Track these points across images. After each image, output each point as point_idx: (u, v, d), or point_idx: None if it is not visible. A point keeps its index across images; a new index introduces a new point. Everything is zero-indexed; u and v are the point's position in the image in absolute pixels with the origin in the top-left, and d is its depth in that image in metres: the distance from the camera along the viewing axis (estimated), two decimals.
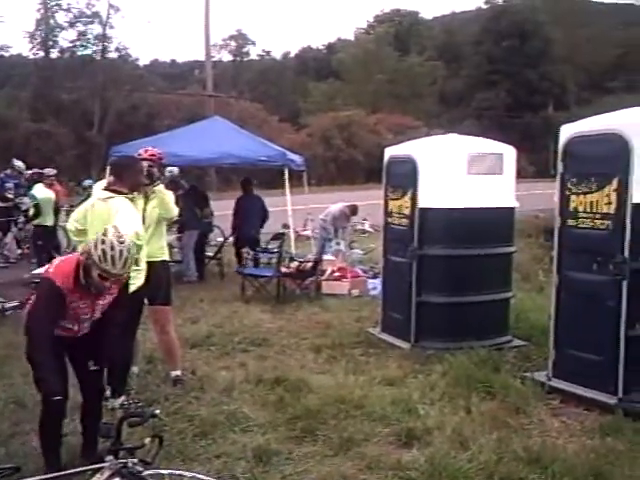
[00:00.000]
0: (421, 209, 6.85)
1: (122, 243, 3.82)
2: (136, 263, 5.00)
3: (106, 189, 5.21)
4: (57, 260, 4.29)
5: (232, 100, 44.49)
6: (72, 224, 5.53)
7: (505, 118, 48.08)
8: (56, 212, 11.36)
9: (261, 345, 7.17)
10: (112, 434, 3.14)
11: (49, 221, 11.19)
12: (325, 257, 10.85)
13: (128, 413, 3.28)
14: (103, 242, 3.78)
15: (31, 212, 11.13)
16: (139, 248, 4.94)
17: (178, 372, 5.92)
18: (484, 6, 59.90)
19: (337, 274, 10.30)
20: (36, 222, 11.10)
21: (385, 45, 55.71)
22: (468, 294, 6.85)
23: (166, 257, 5.92)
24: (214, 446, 4.62)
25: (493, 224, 6.88)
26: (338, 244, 11.70)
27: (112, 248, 3.76)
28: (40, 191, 11.18)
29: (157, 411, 3.37)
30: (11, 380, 5.90)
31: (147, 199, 5.72)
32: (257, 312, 8.71)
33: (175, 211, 5.98)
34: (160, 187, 5.82)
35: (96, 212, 5.10)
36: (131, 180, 5.23)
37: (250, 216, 11.30)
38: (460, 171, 6.75)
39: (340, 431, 4.84)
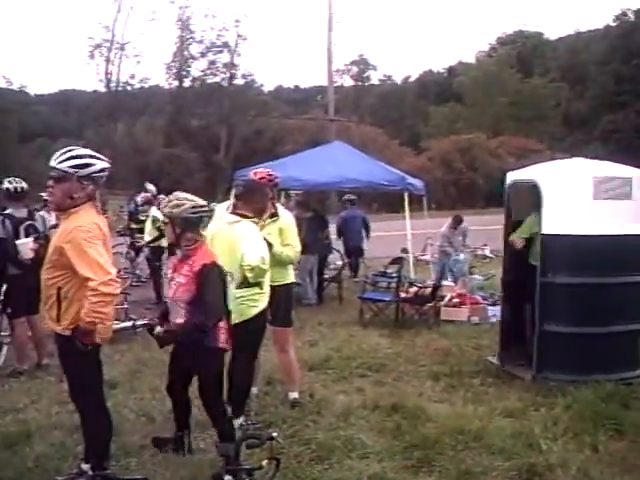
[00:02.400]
0: (545, 235, 6.64)
1: None
2: (260, 286, 5.16)
3: (232, 213, 5.35)
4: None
5: (353, 124, 45.05)
6: None
7: (635, 140, 45.55)
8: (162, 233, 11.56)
9: (379, 370, 7.14)
10: (231, 454, 3.22)
11: (164, 242, 11.57)
12: (444, 283, 10.70)
13: (247, 435, 3.36)
14: None
15: (155, 234, 11.33)
16: (264, 272, 5.09)
17: (296, 394, 5.98)
18: (612, 23, 57.39)
19: (456, 300, 10.13)
20: (155, 244, 11.20)
21: (507, 67, 54.61)
22: (595, 325, 6.52)
23: (289, 280, 5.94)
24: (330, 471, 4.62)
25: (622, 252, 6.53)
26: (457, 255, 11.62)
27: None
28: (159, 213, 11.51)
29: (275, 434, 3.38)
30: (141, 395, 6.18)
31: (264, 224, 5.74)
32: (375, 336, 8.70)
33: (297, 248, 5.94)
34: (285, 219, 5.89)
35: (222, 235, 5.20)
36: (257, 205, 5.38)
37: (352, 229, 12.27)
38: (586, 196, 6.49)
39: (458, 463, 4.73)
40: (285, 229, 5.85)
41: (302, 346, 8.11)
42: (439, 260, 12.13)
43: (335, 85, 39.50)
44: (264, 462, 3.21)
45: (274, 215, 5.84)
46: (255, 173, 6.12)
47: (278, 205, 6.07)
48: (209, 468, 4.41)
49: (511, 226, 7.29)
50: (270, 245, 5.51)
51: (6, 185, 6.99)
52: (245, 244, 4.99)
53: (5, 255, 6.70)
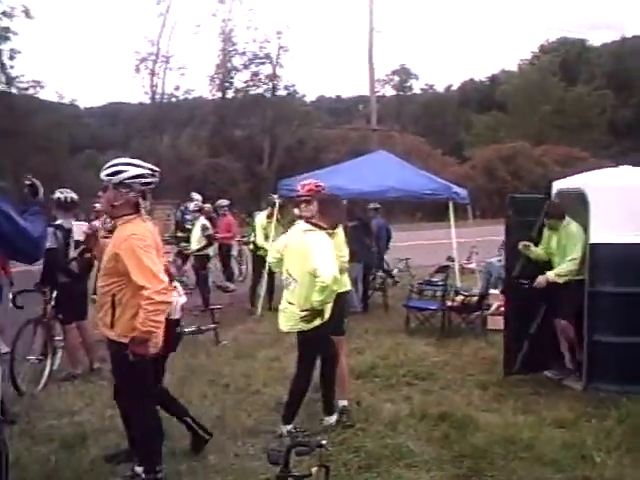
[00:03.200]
0: (592, 244, 6.54)
1: None
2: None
3: (307, 222, 5.49)
4: None
5: (395, 134, 44.99)
6: (274, 255, 5.88)
7: None
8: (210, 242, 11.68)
9: (425, 379, 7.10)
10: (281, 461, 3.24)
11: (211, 250, 11.78)
12: (491, 291, 10.59)
13: (296, 442, 3.37)
14: None
15: (203, 243, 11.43)
16: (334, 292, 5.14)
17: (345, 402, 5.97)
18: None
19: (503, 309, 9.99)
20: (202, 252, 11.39)
21: (550, 75, 54.01)
22: None
23: (342, 289, 5.86)
24: None
25: None
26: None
27: None
28: (205, 221, 11.66)
29: (324, 441, 3.40)
30: (189, 400, 6.25)
31: None
32: (421, 345, 8.66)
33: (345, 258, 5.97)
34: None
35: (294, 242, 5.44)
36: (334, 217, 5.53)
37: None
38: (634, 204, 6.38)
39: (509, 473, 4.68)
40: (334, 239, 5.87)
41: (349, 354, 8.08)
42: (485, 269, 12.00)
43: (377, 94, 39.52)
44: (313, 469, 3.22)
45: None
46: (302, 185, 6.19)
47: None
48: (258, 474, 4.47)
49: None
50: None
51: (57, 195, 7.17)
52: (318, 257, 5.09)
53: (56, 264, 6.89)
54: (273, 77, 44.42)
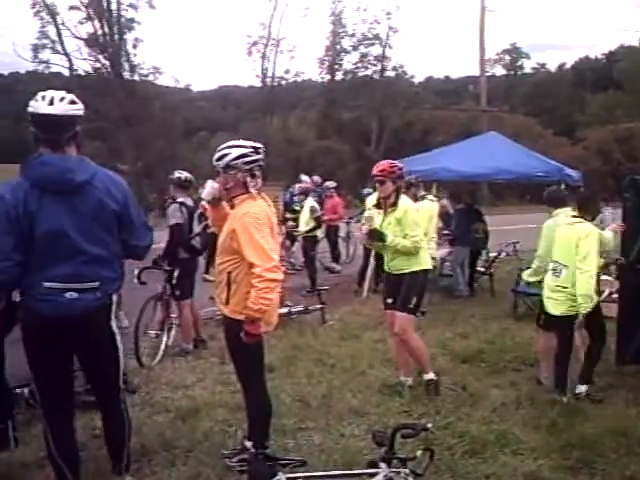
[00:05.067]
0: None
1: None
2: None
3: (573, 216, 6.04)
4: None
5: (505, 115, 43.68)
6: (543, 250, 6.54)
7: None
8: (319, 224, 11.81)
9: (533, 365, 6.90)
10: (386, 443, 3.28)
11: (319, 232, 11.91)
12: (603, 277, 10.16)
13: (402, 424, 3.41)
14: None
15: (311, 224, 11.58)
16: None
17: (431, 375, 6.02)
18: None
19: (615, 295, 9.57)
20: (311, 233, 11.55)
21: None
22: None
23: (416, 267, 5.95)
24: (484, 466, 4.58)
25: None
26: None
27: None
28: (314, 203, 11.83)
29: (429, 425, 3.42)
30: (296, 379, 6.42)
31: (385, 214, 6.00)
32: (529, 331, 8.37)
33: (415, 238, 5.89)
34: (401, 210, 5.92)
35: (562, 234, 5.99)
36: (593, 210, 6.25)
37: None
38: None
39: (621, 468, 4.53)
40: (402, 219, 5.88)
41: (454, 338, 8.07)
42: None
43: (487, 75, 38.47)
44: (418, 452, 3.26)
45: (393, 205, 5.93)
46: (377, 166, 6.10)
47: (404, 196, 6.06)
48: (363, 455, 4.53)
49: None
50: (385, 235, 5.82)
51: (177, 175, 7.59)
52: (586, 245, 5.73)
53: (180, 239, 7.25)
54: (382, 58, 44.05)
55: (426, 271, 6.11)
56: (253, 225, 4.06)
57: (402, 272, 5.98)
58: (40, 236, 3.45)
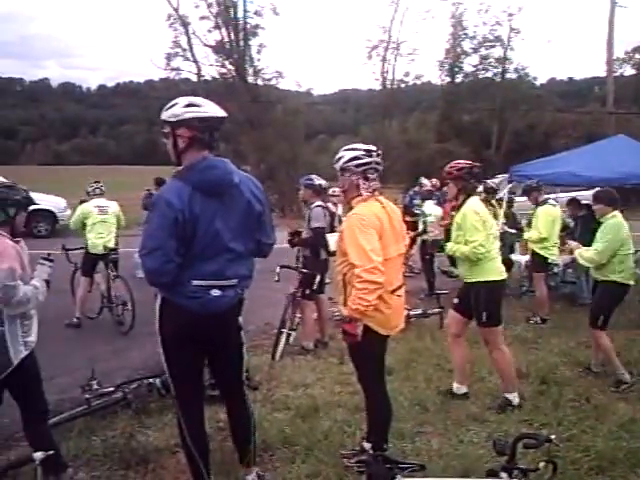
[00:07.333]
0: None
1: None
2: None
3: None
4: None
5: (634, 117, 41.50)
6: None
7: None
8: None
9: None
10: (507, 452, 3.23)
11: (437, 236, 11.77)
12: None
13: (524, 434, 3.35)
14: None
15: (420, 228, 11.54)
16: None
17: (510, 396, 5.79)
18: None
19: None
20: (424, 237, 11.38)
21: None
22: None
23: (483, 278, 5.71)
24: None
25: None
26: None
27: None
28: (430, 208, 11.70)
29: (553, 436, 3.33)
30: (415, 383, 6.41)
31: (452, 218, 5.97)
32: None
33: (474, 244, 5.64)
34: (461, 214, 5.75)
35: None
36: None
37: None
38: None
39: None
40: (462, 223, 5.73)
41: (576, 347, 7.79)
42: None
43: (614, 75, 36.72)
44: (541, 464, 3.17)
45: (458, 208, 5.81)
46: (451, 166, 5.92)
47: (473, 199, 5.79)
48: (482, 462, 4.47)
49: None
50: (443, 244, 5.83)
51: (317, 182, 7.85)
52: None
53: (323, 242, 7.54)
54: (503, 60, 43.03)
55: (492, 282, 5.75)
56: (357, 226, 4.12)
57: (467, 281, 5.86)
58: (199, 237, 3.60)
